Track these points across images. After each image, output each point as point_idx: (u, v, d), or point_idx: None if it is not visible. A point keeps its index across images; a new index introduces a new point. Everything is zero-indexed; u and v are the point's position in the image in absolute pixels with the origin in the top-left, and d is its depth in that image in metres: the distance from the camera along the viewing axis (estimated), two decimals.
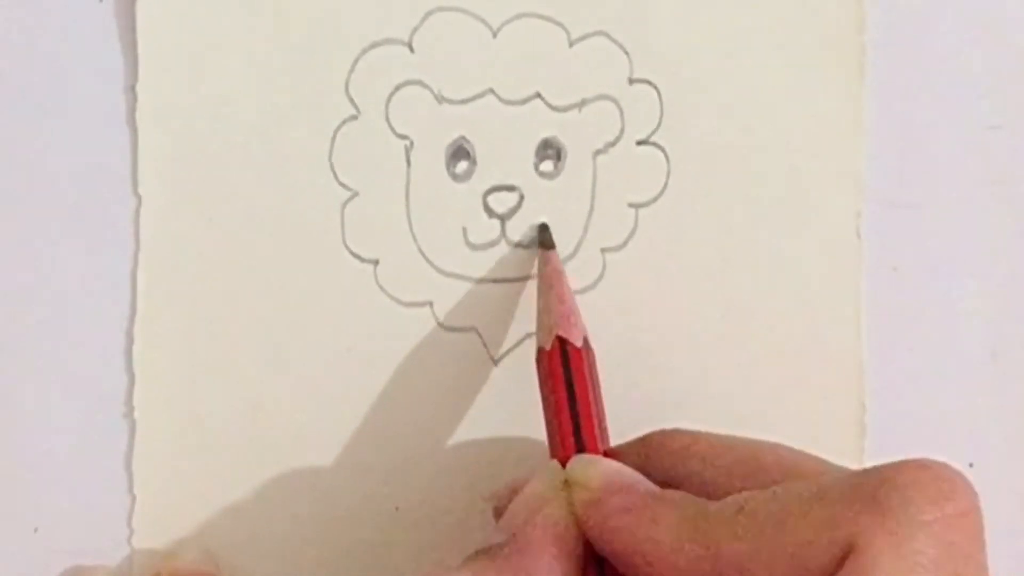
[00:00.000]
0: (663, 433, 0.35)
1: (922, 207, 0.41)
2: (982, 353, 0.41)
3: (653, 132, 0.39)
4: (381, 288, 0.38)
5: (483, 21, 0.38)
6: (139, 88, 0.36)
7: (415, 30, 0.38)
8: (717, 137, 0.39)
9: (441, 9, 0.37)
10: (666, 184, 0.39)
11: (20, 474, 0.36)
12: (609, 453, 0.34)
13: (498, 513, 0.35)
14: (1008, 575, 0.40)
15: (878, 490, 0.27)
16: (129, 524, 0.37)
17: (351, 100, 0.37)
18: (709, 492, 0.31)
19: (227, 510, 0.37)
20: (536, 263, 0.38)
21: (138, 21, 0.36)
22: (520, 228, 0.38)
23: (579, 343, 0.35)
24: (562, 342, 0.35)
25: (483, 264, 0.38)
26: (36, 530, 0.37)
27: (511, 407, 0.38)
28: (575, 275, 0.38)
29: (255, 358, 0.37)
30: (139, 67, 0.36)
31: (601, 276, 0.39)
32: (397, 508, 0.38)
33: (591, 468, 0.33)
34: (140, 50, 0.36)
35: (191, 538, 0.37)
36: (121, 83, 0.37)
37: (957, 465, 0.40)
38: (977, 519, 0.27)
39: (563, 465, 0.34)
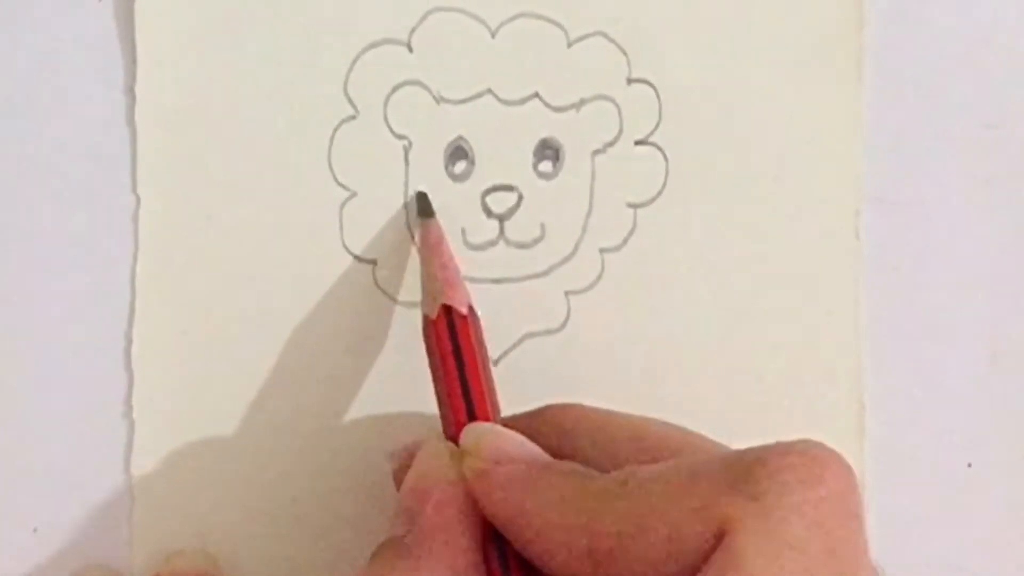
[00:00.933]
0: (561, 407, 0.35)
1: (921, 207, 0.41)
2: (982, 354, 0.41)
3: (651, 132, 0.39)
4: (379, 288, 0.38)
5: (482, 21, 0.38)
6: (138, 88, 0.37)
7: (414, 30, 0.38)
8: (715, 137, 0.39)
9: (439, 9, 0.38)
10: (664, 184, 0.39)
11: (19, 474, 0.37)
12: (502, 424, 0.34)
13: (397, 477, 0.35)
14: (1008, 575, 0.40)
15: (750, 472, 0.27)
16: (128, 524, 0.37)
17: (349, 100, 0.37)
18: (596, 467, 0.31)
19: (226, 510, 0.37)
20: (419, 235, 0.37)
21: (136, 21, 0.36)
22: (519, 228, 0.38)
23: (464, 310, 0.34)
24: (447, 310, 0.34)
25: (482, 264, 0.38)
26: (35, 530, 0.37)
27: (510, 407, 0.37)
28: (574, 275, 0.39)
29: (254, 358, 0.37)
30: (137, 67, 0.37)
31: (600, 276, 0.39)
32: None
33: (482, 437, 0.32)
34: (138, 50, 0.37)
35: (190, 538, 0.37)
36: (120, 83, 0.37)
37: (956, 466, 0.41)
38: (851, 500, 0.27)
39: (456, 435, 0.33)
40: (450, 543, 0.31)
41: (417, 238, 0.37)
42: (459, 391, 0.34)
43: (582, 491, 0.30)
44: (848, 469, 0.28)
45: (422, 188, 0.38)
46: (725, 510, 0.27)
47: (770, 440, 0.32)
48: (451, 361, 0.34)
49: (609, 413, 0.34)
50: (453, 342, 0.34)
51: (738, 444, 0.37)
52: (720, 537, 0.26)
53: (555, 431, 0.34)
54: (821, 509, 0.26)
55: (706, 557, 0.27)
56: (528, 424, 0.34)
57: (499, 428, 0.33)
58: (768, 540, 0.26)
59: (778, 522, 0.26)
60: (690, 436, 0.33)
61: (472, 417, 0.33)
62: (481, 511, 0.32)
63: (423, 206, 0.37)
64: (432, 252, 0.36)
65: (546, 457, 0.32)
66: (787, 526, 0.26)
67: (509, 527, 0.31)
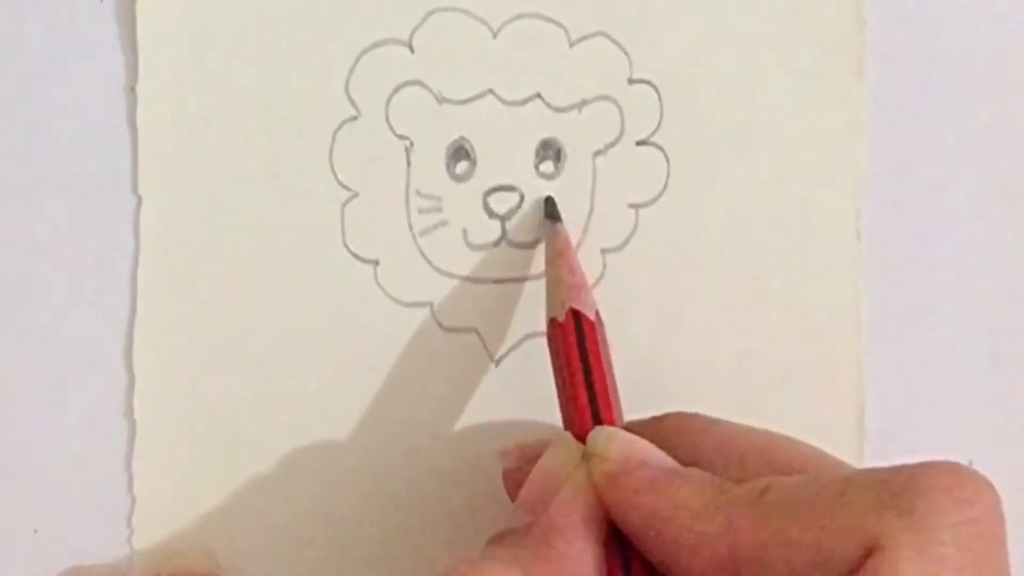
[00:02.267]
0: (680, 415, 0.35)
1: (923, 207, 0.41)
2: (982, 354, 0.41)
3: (653, 132, 0.39)
4: (381, 288, 0.38)
5: (483, 21, 0.38)
6: (139, 88, 0.37)
7: (415, 30, 0.38)
8: (717, 137, 0.39)
9: (441, 9, 0.38)
10: (666, 184, 0.39)
11: (20, 474, 0.37)
12: (622, 427, 0.34)
13: (510, 478, 0.35)
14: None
15: (903, 490, 0.27)
16: (129, 524, 0.37)
17: (351, 100, 0.37)
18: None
19: (227, 510, 0.37)
20: (545, 239, 0.37)
21: (138, 21, 0.36)
22: (520, 228, 0.38)
23: (592, 315, 0.35)
24: (576, 314, 0.35)
25: (483, 264, 0.38)
26: (36, 531, 0.37)
27: (511, 408, 0.38)
28: None
29: (255, 358, 0.37)
30: (139, 67, 0.36)
31: (601, 276, 0.39)
32: (397, 508, 0.38)
33: (611, 440, 0.33)
34: (140, 50, 0.36)
35: (191, 538, 0.37)
36: (121, 83, 0.37)
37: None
38: (1000, 525, 0.28)
39: (581, 438, 0.33)
40: (574, 543, 0.31)
41: (544, 242, 0.37)
42: (585, 395, 0.34)
43: (721, 498, 0.30)
44: (997, 495, 0.28)
45: (423, 190, 0.38)
46: (877, 527, 0.27)
47: (784, 434, 0.33)
48: (578, 365, 0.34)
49: (734, 425, 0.34)
50: (580, 346, 0.34)
51: None
52: (869, 553, 0.27)
53: (679, 439, 0.34)
54: (972, 531, 0.27)
55: (852, 572, 0.27)
56: (651, 430, 0.34)
57: (627, 433, 0.33)
58: (922, 558, 0.26)
59: (932, 541, 0.26)
60: (817, 452, 0.33)
61: (597, 421, 0.33)
62: (606, 515, 0.32)
63: (550, 210, 0.37)
64: (559, 256, 0.36)
65: (675, 463, 0.32)
66: (941, 546, 0.26)
67: (641, 533, 0.31)
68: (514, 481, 0.35)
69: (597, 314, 0.35)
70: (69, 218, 0.37)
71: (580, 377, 0.34)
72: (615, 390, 0.34)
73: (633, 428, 0.34)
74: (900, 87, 0.41)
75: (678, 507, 0.30)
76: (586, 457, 0.33)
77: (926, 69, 0.41)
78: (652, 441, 0.33)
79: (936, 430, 0.41)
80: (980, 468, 0.40)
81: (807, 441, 0.39)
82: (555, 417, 0.38)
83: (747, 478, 0.30)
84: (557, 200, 0.38)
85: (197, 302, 0.37)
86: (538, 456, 0.33)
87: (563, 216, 0.38)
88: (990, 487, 0.28)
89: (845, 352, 0.40)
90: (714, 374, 0.39)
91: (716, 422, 0.34)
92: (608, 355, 0.35)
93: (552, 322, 0.35)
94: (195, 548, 0.37)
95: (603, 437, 0.33)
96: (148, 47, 0.36)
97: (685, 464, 0.32)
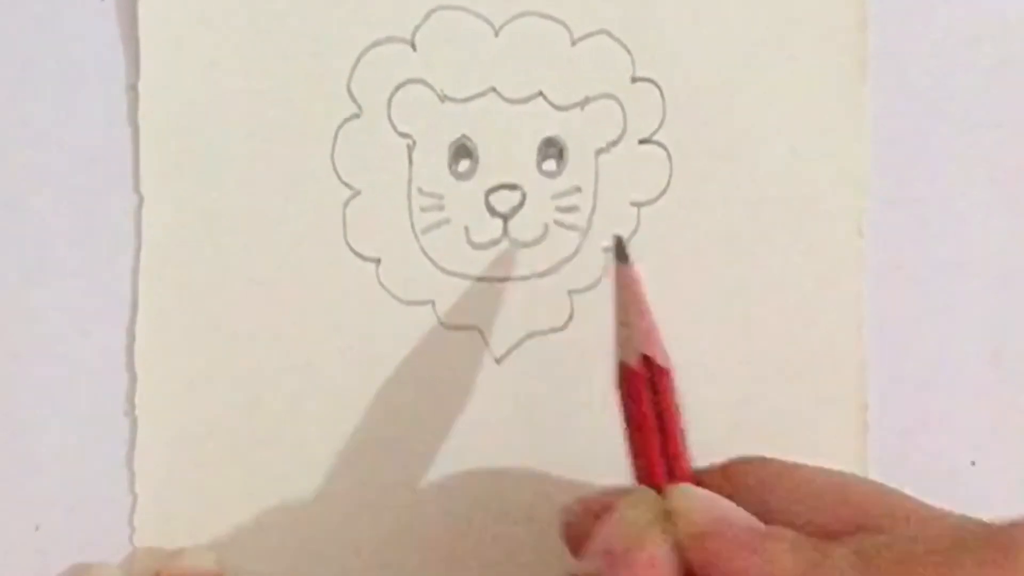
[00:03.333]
0: (748, 461, 0.34)
1: (925, 205, 0.41)
2: (983, 352, 0.41)
3: (655, 131, 0.39)
4: (383, 287, 0.38)
5: (485, 20, 0.38)
6: (140, 87, 0.37)
7: (417, 29, 0.38)
8: (719, 136, 0.39)
9: (443, 8, 0.38)
10: (668, 183, 0.39)
11: (22, 472, 0.37)
12: (694, 479, 0.33)
13: (570, 530, 0.34)
14: None
15: (1010, 552, 0.27)
16: (130, 522, 0.37)
17: (353, 99, 0.38)
18: (795, 525, 0.31)
19: (228, 508, 0.37)
20: (615, 280, 0.36)
21: (140, 20, 0.37)
22: (522, 226, 0.38)
23: (666, 364, 0.33)
24: (648, 361, 0.33)
25: (485, 263, 0.38)
26: (37, 528, 0.37)
27: (513, 405, 0.38)
28: (577, 274, 0.39)
29: (256, 357, 0.37)
30: (141, 66, 0.37)
31: (603, 275, 0.39)
32: (398, 505, 0.38)
33: (695, 500, 0.32)
34: (142, 49, 0.37)
35: (192, 536, 0.37)
36: (123, 81, 0.37)
37: (960, 463, 0.41)
38: None
39: (655, 490, 0.33)
40: None
41: (612, 282, 0.36)
42: (657, 445, 0.33)
43: (819, 558, 0.30)
44: None
45: (426, 188, 0.38)
46: None
47: (853, 474, 0.33)
48: (651, 413, 0.33)
49: (806, 467, 0.33)
50: (652, 393, 0.33)
51: (743, 440, 0.37)
52: None
53: (750, 486, 0.33)
54: None
55: None
56: (719, 478, 0.33)
57: (706, 492, 0.32)
58: None
59: None
60: (892, 495, 0.32)
61: (670, 473, 0.32)
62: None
63: (620, 252, 0.36)
64: (631, 298, 0.35)
65: (760, 523, 0.32)
66: None
67: None
68: (575, 533, 0.34)
69: (668, 362, 0.34)
70: (71, 217, 0.37)
71: (652, 427, 0.33)
72: (686, 441, 0.34)
73: (702, 476, 0.34)
74: (902, 85, 0.41)
75: (773, 569, 0.30)
76: (667, 516, 0.32)
77: (928, 67, 0.41)
78: (722, 490, 0.32)
79: (939, 427, 0.41)
80: (981, 467, 0.40)
81: (808, 439, 0.39)
82: (556, 414, 0.39)
83: (826, 522, 0.30)
84: (560, 198, 0.39)
85: (199, 301, 0.37)
86: (601, 510, 0.33)
87: (566, 215, 0.39)
88: None
89: (847, 349, 0.40)
90: (715, 371, 0.39)
91: (788, 466, 0.34)
92: (678, 404, 0.34)
93: (623, 367, 0.34)
94: (198, 546, 0.37)
95: (685, 497, 0.32)
96: (150, 45, 0.37)
97: (759, 512, 0.31)
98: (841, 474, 0.33)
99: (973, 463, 0.41)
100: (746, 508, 0.31)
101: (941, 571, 0.28)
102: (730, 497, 0.32)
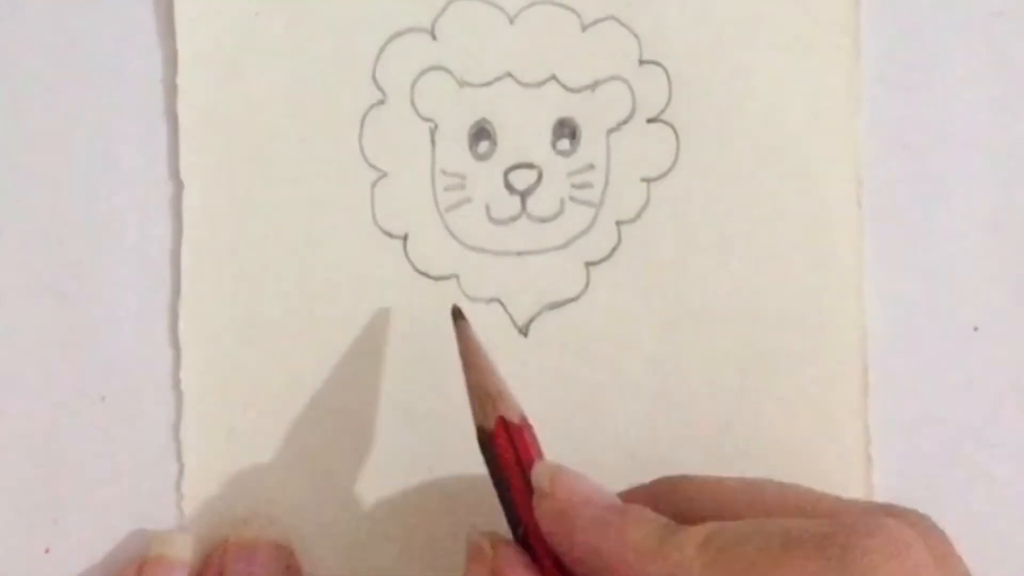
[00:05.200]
0: (669, 480, 0.35)
1: (921, 178, 0.41)
2: (982, 318, 0.41)
3: (663, 110, 0.40)
4: (410, 262, 0.39)
5: (501, 9, 0.39)
6: (179, 80, 0.38)
7: (437, 18, 0.39)
8: (723, 113, 0.40)
9: None
10: (676, 159, 0.40)
11: (74, 445, 0.38)
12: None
13: None
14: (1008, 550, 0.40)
15: (845, 552, 0.28)
16: (178, 490, 0.38)
17: (378, 86, 0.39)
18: None
19: (270, 476, 0.38)
20: (458, 341, 0.36)
21: (176, 18, 0.38)
22: (540, 203, 0.39)
23: (518, 420, 0.34)
24: (503, 421, 0.34)
25: (505, 238, 0.39)
26: (92, 499, 0.38)
27: (536, 373, 0.39)
28: (592, 247, 0.39)
29: (293, 331, 0.38)
30: (178, 61, 0.38)
31: (616, 247, 0.39)
32: (430, 470, 0.39)
33: (555, 477, 0.32)
34: (179, 44, 0.38)
35: (237, 503, 0.38)
36: (162, 76, 0.38)
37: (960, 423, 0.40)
38: (929, 569, 0.28)
39: (524, 536, 0.33)
40: None
41: (457, 347, 0.36)
42: (526, 496, 0.33)
43: (668, 538, 0.30)
44: (924, 546, 0.29)
45: (448, 169, 0.39)
46: None
47: (781, 481, 0.34)
48: (515, 468, 0.34)
49: (724, 479, 0.34)
50: (513, 449, 0.34)
51: (753, 397, 0.38)
52: None
53: (674, 499, 0.33)
54: None
55: None
56: (644, 495, 0.34)
57: (569, 469, 0.33)
58: None
59: None
60: (808, 493, 0.33)
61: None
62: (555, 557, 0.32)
63: (457, 314, 0.37)
64: (476, 362, 0.36)
65: (618, 500, 0.32)
66: None
67: (585, 568, 0.31)
68: None
69: (523, 417, 0.35)
70: (116, 204, 0.38)
71: (519, 480, 0.33)
72: None
73: (629, 495, 0.34)
74: (895, 64, 0.41)
75: (624, 546, 0.30)
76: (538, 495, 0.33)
77: (923, 43, 0.41)
78: (649, 504, 0.32)
79: (938, 396, 0.41)
80: (980, 437, 0.40)
81: (811, 407, 0.39)
82: (581, 385, 0.39)
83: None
84: (575, 176, 0.39)
85: (237, 279, 0.38)
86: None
87: (581, 191, 0.39)
88: (917, 538, 0.29)
89: (848, 316, 0.40)
90: (724, 333, 0.39)
91: (708, 479, 0.34)
92: (540, 451, 0.34)
93: (482, 432, 0.35)
94: (261, 516, 0.38)
95: (547, 472, 0.33)
96: (186, 41, 0.38)
97: (694, 522, 0.31)
98: (758, 481, 0.34)
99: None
100: (678, 520, 0.32)
101: (770, 562, 0.28)
102: (663, 512, 0.32)
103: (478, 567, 0.33)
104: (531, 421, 0.35)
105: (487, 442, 0.35)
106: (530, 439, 0.34)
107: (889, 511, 0.31)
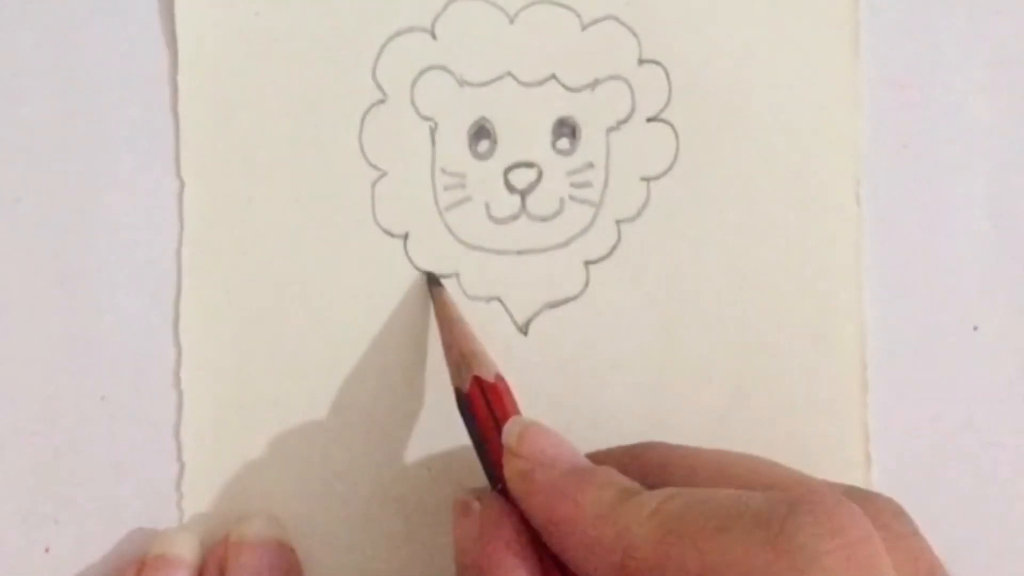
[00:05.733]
0: (649, 445, 0.35)
1: (919, 177, 0.41)
2: (978, 317, 0.41)
3: (662, 109, 0.40)
4: (410, 261, 0.39)
5: (500, 8, 0.39)
6: (179, 79, 0.38)
7: (437, 18, 0.39)
8: (722, 112, 0.40)
9: None
10: (675, 158, 0.40)
11: (73, 444, 0.38)
12: (591, 458, 0.34)
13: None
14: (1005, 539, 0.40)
15: (784, 528, 0.27)
16: (178, 489, 0.38)
17: (378, 85, 0.39)
18: None
19: (269, 475, 0.38)
20: (434, 307, 0.37)
21: (177, 17, 0.38)
22: (539, 202, 0.39)
23: (492, 379, 0.35)
24: (478, 381, 0.35)
25: (505, 237, 0.39)
26: (91, 496, 0.38)
27: (537, 371, 0.39)
28: (592, 246, 0.39)
29: (293, 331, 0.38)
30: (179, 59, 0.38)
31: (616, 246, 0.39)
32: (430, 469, 0.39)
33: (524, 433, 0.33)
34: (179, 44, 0.38)
35: (237, 502, 0.38)
36: (163, 75, 0.38)
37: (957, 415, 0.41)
38: (873, 547, 0.28)
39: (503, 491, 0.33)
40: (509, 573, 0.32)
41: (434, 311, 0.38)
42: (502, 455, 0.33)
43: (618, 504, 0.30)
44: (867, 522, 0.28)
45: (448, 168, 0.39)
46: (758, 561, 0.27)
47: (751, 454, 0.34)
48: (492, 425, 0.34)
49: (700, 449, 0.34)
50: (488, 408, 0.34)
51: (752, 396, 0.38)
52: None
53: (651, 464, 0.34)
54: (845, 557, 0.27)
55: None
56: (626, 457, 0.34)
57: (538, 424, 0.33)
58: None
59: (804, 572, 0.27)
60: (775, 468, 0.33)
61: None
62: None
63: (433, 280, 0.38)
64: (451, 325, 0.36)
65: (585, 461, 0.32)
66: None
67: (546, 533, 0.32)
68: None
69: (498, 375, 0.35)
70: (116, 203, 0.38)
71: (496, 437, 0.34)
72: None
73: (609, 455, 0.34)
74: (895, 63, 0.41)
75: (577, 510, 0.30)
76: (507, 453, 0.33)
77: (922, 41, 0.41)
78: (627, 468, 0.32)
79: (938, 396, 0.41)
80: (977, 425, 0.40)
81: (810, 397, 0.39)
82: (582, 382, 0.39)
83: None
84: (575, 174, 0.39)
85: (238, 278, 0.38)
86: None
87: (580, 190, 0.39)
88: (860, 515, 0.28)
89: (848, 316, 0.40)
90: (724, 332, 0.40)
91: (686, 448, 0.34)
92: (517, 408, 0.35)
93: (459, 393, 0.35)
94: (262, 513, 0.38)
95: (516, 428, 0.33)
96: (187, 40, 0.38)
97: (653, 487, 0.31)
98: (733, 453, 0.34)
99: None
100: (643, 483, 0.32)
101: (713, 537, 0.28)
102: (634, 474, 0.32)
103: (466, 521, 0.33)
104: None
105: (463, 403, 0.35)
106: (506, 397, 0.35)
107: (850, 493, 0.31)
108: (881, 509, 0.31)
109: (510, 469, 0.32)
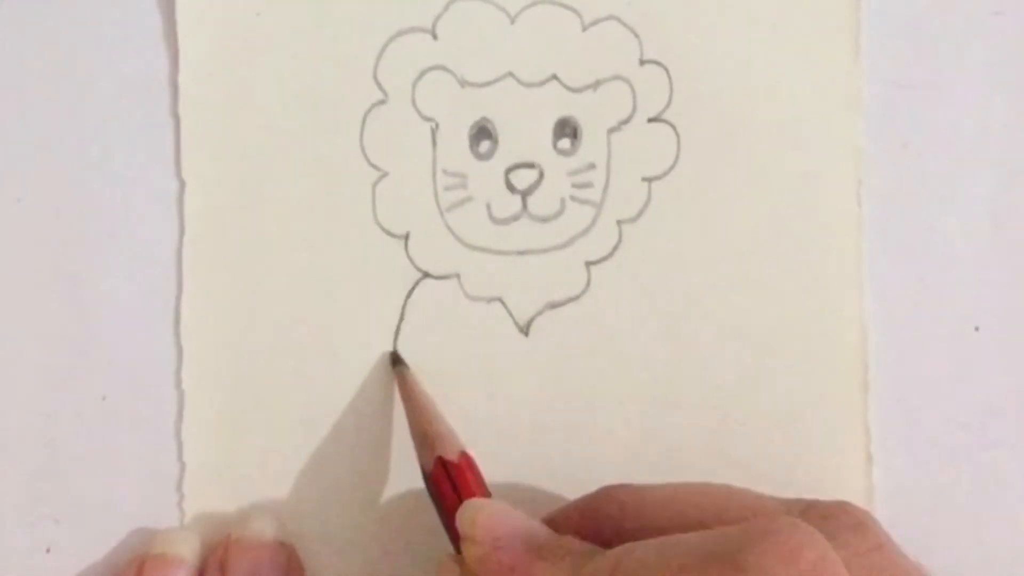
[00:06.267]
0: (594, 496, 0.35)
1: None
2: (980, 314, 0.41)
3: (663, 110, 0.40)
4: (411, 261, 0.39)
5: (502, 8, 0.39)
6: (180, 80, 0.38)
7: (438, 18, 0.39)
8: (723, 113, 0.40)
9: None
10: (677, 158, 0.40)
11: (74, 445, 0.38)
12: (550, 520, 0.34)
13: None
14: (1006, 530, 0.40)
15: (740, 560, 0.27)
16: (179, 489, 0.38)
17: (379, 86, 0.39)
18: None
19: (271, 475, 0.38)
20: (398, 388, 0.38)
21: (178, 18, 0.38)
22: (541, 203, 0.39)
23: (456, 458, 0.35)
24: (443, 462, 0.35)
25: (506, 237, 0.39)
26: (93, 496, 0.38)
27: (538, 372, 0.39)
28: (593, 246, 0.39)
29: (294, 331, 0.38)
30: (180, 61, 0.38)
31: (617, 246, 0.39)
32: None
33: (477, 516, 0.33)
34: (180, 46, 0.38)
35: (237, 502, 0.38)
36: (163, 76, 0.38)
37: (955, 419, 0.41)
38: (830, 567, 0.28)
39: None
40: None
41: (399, 391, 0.38)
42: None
43: (573, 573, 0.30)
44: (822, 543, 0.28)
45: (449, 168, 0.39)
46: None
47: (715, 484, 0.34)
48: (455, 504, 0.34)
49: (652, 486, 0.34)
50: (452, 485, 0.35)
51: (753, 397, 0.38)
52: None
53: (608, 515, 0.34)
54: None
55: None
56: (577, 515, 0.34)
57: (490, 504, 0.33)
58: None
59: None
60: (730, 493, 0.33)
61: None
62: None
63: (396, 360, 0.38)
64: (416, 406, 0.37)
65: (541, 534, 0.32)
66: None
67: None
68: None
69: (462, 453, 0.35)
70: (117, 204, 0.38)
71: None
72: None
73: (560, 516, 0.34)
74: (895, 62, 0.41)
75: None
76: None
77: (923, 42, 0.41)
78: (591, 515, 0.33)
79: (938, 394, 0.41)
80: (977, 425, 0.40)
81: (813, 411, 0.39)
82: (581, 384, 0.39)
83: (680, 529, 0.30)
84: (576, 175, 0.39)
85: (239, 278, 0.38)
86: None
87: (582, 190, 0.39)
88: (815, 537, 0.28)
89: (848, 316, 0.40)
90: (724, 332, 0.40)
91: (637, 488, 0.34)
92: (483, 484, 0.35)
93: (424, 472, 0.36)
94: (263, 513, 0.38)
95: (469, 512, 0.33)
96: (188, 40, 0.38)
97: (620, 536, 0.31)
98: (690, 486, 0.34)
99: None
100: (607, 535, 0.32)
101: None
102: (590, 529, 0.32)
103: None
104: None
105: (428, 483, 0.35)
106: (470, 473, 0.35)
107: (809, 511, 0.31)
108: (842, 525, 0.31)
109: (468, 553, 0.32)
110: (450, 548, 0.35)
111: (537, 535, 0.32)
